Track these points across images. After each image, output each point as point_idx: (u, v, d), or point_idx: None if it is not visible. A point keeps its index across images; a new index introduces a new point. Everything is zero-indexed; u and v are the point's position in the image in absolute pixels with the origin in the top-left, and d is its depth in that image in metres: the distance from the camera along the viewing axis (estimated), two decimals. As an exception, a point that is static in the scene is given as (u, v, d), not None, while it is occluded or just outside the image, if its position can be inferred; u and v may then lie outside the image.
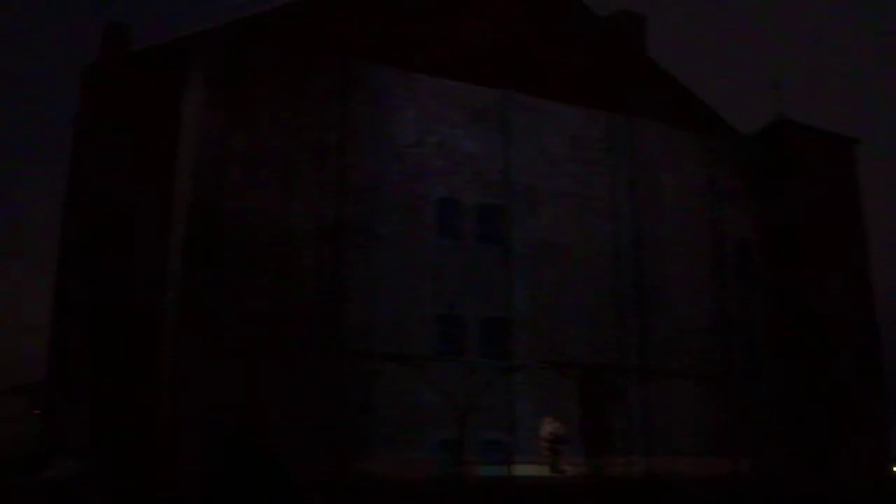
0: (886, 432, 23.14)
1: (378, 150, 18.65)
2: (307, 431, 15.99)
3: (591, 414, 19.58)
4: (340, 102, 18.45)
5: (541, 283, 19.78)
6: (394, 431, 17.12)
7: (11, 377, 22.92)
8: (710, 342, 21.45)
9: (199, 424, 14.76)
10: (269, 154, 17.40)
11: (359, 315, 17.54)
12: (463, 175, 19.67)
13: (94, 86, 17.46)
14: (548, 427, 17.93)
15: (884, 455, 22.81)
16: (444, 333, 18.45)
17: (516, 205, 20.09)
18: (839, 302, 23.19)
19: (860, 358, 23.10)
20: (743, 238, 23.06)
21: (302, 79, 18.17)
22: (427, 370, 17.20)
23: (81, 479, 13.64)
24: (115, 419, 15.17)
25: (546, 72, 21.00)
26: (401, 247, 18.42)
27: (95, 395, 15.44)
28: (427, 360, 17.59)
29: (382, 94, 19.10)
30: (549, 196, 20.48)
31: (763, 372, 22.20)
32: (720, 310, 21.95)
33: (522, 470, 17.99)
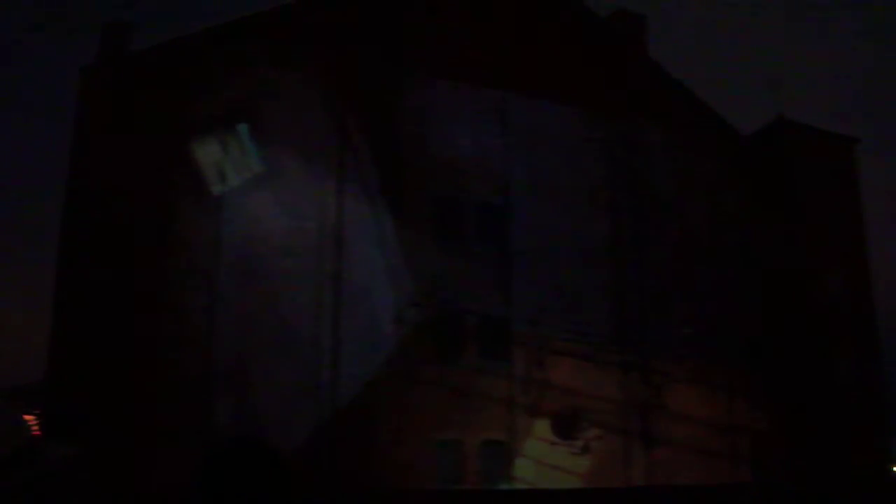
0: (886, 432, 23.11)
1: (377, 151, 18.70)
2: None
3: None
4: (340, 102, 18.49)
5: (540, 283, 19.79)
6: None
7: (11, 377, 22.91)
8: (711, 343, 21.45)
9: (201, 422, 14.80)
10: (267, 155, 17.50)
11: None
12: (463, 175, 19.70)
13: (94, 86, 17.41)
14: None
15: (884, 455, 22.79)
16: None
17: (516, 205, 20.12)
18: (839, 302, 23.17)
19: (860, 358, 23.07)
20: (743, 238, 23.06)
21: (300, 79, 18.22)
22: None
23: (74, 466, 13.62)
24: (113, 412, 15.19)
25: (546, 72, 21.01)
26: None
27: (94, 391, 15.44)
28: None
29: (380, 95, 19.14)
30: (549, 196, 20.50)
31: (763, 372, 22.19)
32: (721, 310, 21.95)
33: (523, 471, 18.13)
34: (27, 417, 19.72)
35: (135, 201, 16.67)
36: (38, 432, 18.52)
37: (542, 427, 18.91)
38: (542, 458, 18.57)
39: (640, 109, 22.04)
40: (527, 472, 18.29)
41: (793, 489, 18.88)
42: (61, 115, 18.49)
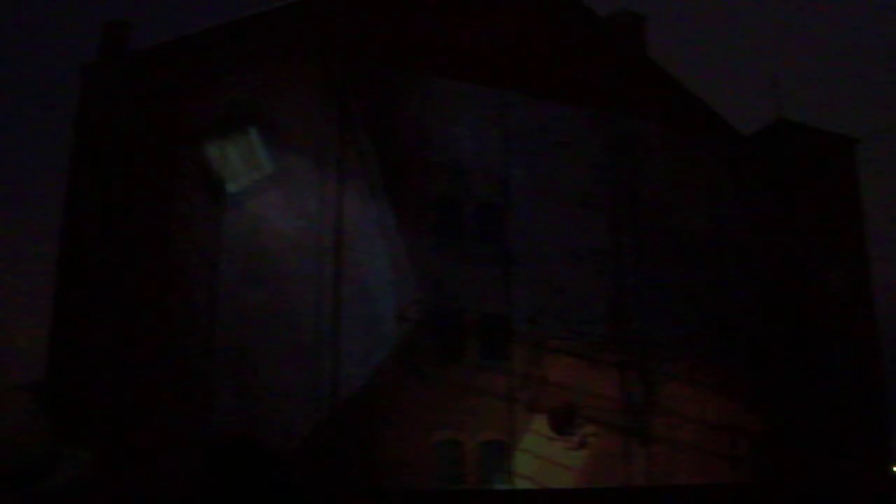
0: (886, 432, 23.12)
1: (377, 151, 18.73)
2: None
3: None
4: (340, 103, 18.51)
5: (539, 282, 19.82)
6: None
7: (11, 377, 22.91)
8: (709, 342, 21.46)
9: (201, 421, 14.80)
10: (269, 154, 17.53)
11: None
12: (463, 175, 19.73)
13: (94, 86, 17.43)
14: None
15: (884, 455, 22.81)
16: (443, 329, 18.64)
17: (516, 205, 20.14)
18: (839, 302, 23.18)
19: (860, 358, 23.09)
20: (743, 238, 23.07)
21: (302, 79, 18.24)
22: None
23: (91, 479, 13.63)
24: (114, 411, 15.20)
25: (546, 72, 21.03)
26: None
27: (95, 391, 15.45)
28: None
29: (382, 95, 19.17)
30: (549, 196, 20.51)
31: (761, 372, 22.19)
32: (720, 310, 21.95)
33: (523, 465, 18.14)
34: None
35: (135, 201, 16.69)
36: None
37: (540, 423, 18.96)
38: (539, 452, 18.61)
39: (640, 110, 22.06)
40: (526, 468, 18.35)
41: (793, 489, 18.92)
42: (61, 115, 18.48)
